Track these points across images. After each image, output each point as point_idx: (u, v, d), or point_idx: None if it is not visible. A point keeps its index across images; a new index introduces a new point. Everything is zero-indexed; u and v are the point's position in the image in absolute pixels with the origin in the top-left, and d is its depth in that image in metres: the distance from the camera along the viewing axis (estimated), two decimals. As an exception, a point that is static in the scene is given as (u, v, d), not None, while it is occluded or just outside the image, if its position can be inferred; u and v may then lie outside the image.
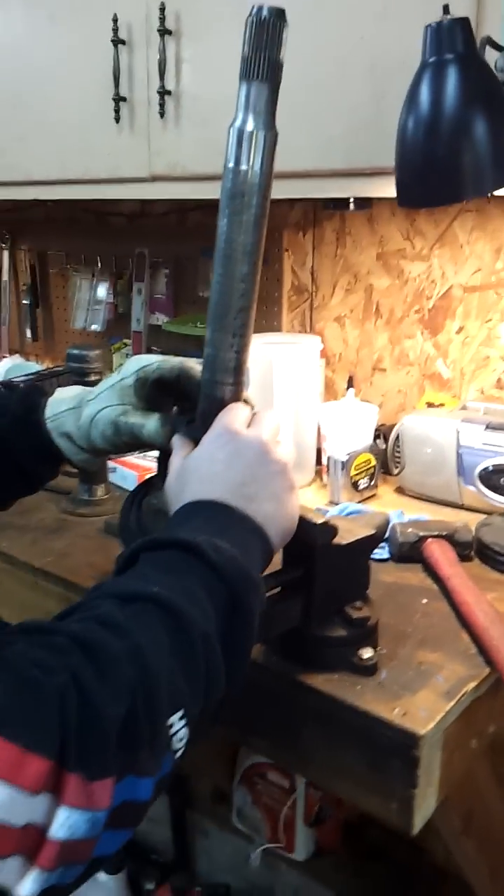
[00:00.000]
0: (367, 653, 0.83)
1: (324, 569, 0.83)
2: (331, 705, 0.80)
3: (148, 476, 0.97)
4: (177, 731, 0.55)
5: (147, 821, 1.99)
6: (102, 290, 1.95)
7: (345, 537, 0.84)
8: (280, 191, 1.21)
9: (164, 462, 0.89)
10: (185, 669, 0.57)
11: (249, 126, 0.74)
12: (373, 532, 0.86)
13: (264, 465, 0.73)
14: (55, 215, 2.08)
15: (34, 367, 1.89)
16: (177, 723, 0.55)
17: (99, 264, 1.97)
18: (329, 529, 0.81)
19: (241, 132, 0.75)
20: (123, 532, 0.95)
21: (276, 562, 0.83)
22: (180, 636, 0.58)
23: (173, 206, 1.81)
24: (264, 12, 0.70)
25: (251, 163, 0.75)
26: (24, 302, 2.15)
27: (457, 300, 1.41)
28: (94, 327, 1.98)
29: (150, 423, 0.86)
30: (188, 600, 0.60)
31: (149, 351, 1.91)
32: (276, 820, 1.58)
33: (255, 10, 0.70)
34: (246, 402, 0.80)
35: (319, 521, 0.81)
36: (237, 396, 0.83)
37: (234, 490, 0.70)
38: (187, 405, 0.87)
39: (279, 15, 0.70)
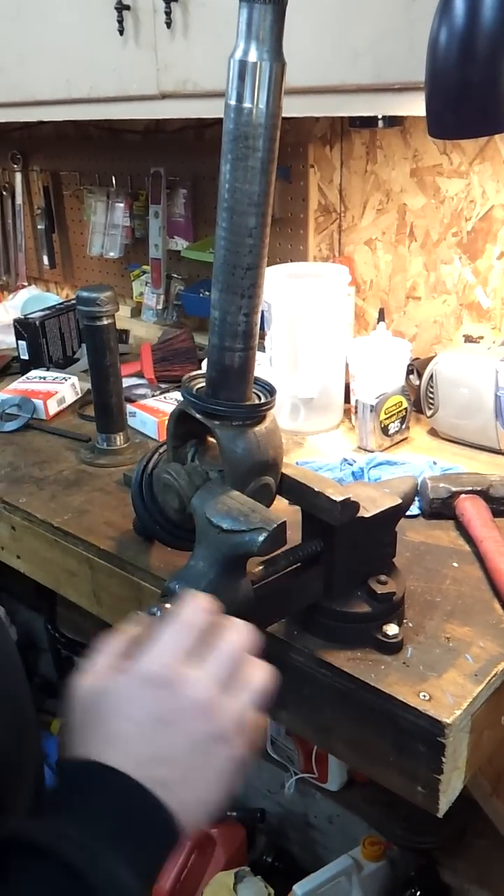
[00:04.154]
0: (391, 629, 0.79)
1: (345, 544, 0.79)
2: (353, 685, 0.76)
3: (159, 445, 0.91)
4: None
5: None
6: (118, 214, 1.84)
7: (368, 509, 0.79)
8: (301, 108, 1.11)
9: (179, 437, 0.83)
10: None
11: (252, 56, 0.65)
12: (398, 502, 0.81)
13: (200, 741, 0.53)
14: (67, 132, 1.96)
15: (52, 298, 1.83)
16: None
17: (114, 185, 1.86)
18: (350, 506, 0.75)
19: (242, 64, 0.65)
20: (135, 505, 0.91)
21: (295, 538, 0.78)
22: None
23: (190, 121, 1.67)
24: None
25: (255, 100, 0.66)
26: (39, 227, 2.05)
27: (498, 222, 1.29)
28: (111, 254, 1.88)
29: None
30: None
31: (168, 279, 1.81)
32: (310, 751, 1.60)
33: None
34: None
35: (339, 497, 0.75)
36: (248, 364, 0.76)
37: (151, 767, 0.51)
38: None
39: None
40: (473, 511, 0.97)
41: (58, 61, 1.36)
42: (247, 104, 0.66)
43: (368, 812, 1.55)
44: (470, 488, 1.00)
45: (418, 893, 1.44)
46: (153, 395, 1.42)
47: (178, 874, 1.61)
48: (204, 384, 0.79)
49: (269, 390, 0.80)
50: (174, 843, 0.52)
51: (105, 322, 1.17)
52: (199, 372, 0.81)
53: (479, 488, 1.00)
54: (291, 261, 1.54)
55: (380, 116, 1.24)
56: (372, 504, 0.80)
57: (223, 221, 0.70)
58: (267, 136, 0.68)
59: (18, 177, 2.09)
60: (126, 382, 1.46)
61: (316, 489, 0.77)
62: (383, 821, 1.51)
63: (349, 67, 1.00)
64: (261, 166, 0.68)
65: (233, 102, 0.67)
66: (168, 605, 0.70)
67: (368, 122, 1.28)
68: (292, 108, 1.10)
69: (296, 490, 0.80)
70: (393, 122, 1.28)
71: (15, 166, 2.08)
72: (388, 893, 1.49)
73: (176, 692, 0.53)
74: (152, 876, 0.52)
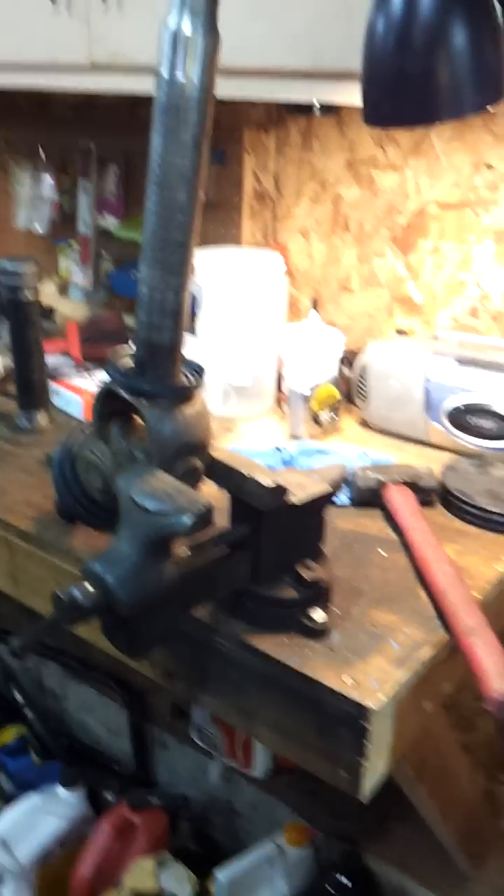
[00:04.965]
0: (318, 615, 0.79)
1: (273, 530, 0.78)
2: (279, 669, 0.76)
3: (83, 424, 0.89)
4: None
5: (108, 732, 2.03)
6: (46, 187, 1.78)
7: (296, 495, 0.78)
8: (237, 90, 1.09)
9: (105, 416, 0.81)
10: None
11: (186, 29, 0.63)
12: (327, 490, 0.80)
13: None
14: (-6, 102, 1.88)
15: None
16: None
17: (43, 157, 1.80)
18: (278, 492, 0.75)
19: (175, 35, 0.63)
20: (57, 485, 0.88)
21: (223, 523, 0.77)
22: None
23: (123, 97, 1.63)
24: None
25: (188, 73, 0.64)
26: (-35, 200, 1.97)
27: (431, 217, 1.30)
28: (37, 228, 1.82)
29: None
30: None
31: (97, 257, 1.77)
32: (234, 738, 1.60)
33: None
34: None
35: (269, 481, 0.74)
36: (176, 342, 0.75)
37: None
38: None
39: None
40: (401, 501, 0.97)
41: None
42: (179, 77, 0.65)
43: (293, 798, 1.56)
44: (399, 478, 1.01)
45: (341, 878, 1.46)
46: (79, 374, 1.38)
47: (98, 860, 1.59)
48: (131, 362, 0.77)
49: (198, 371, 0.79)
50: None
51: (28, 296, 1.13)
52: (125, 348, 0.79)
53: (407, 479, 1.01)
54: (225, 246, 1.52)
55: (316, 105, 1.24)
56: (301, 490, 0.80)
57: (153, 195, 0.69)
58: (199, 110, 0.66)
59: None
60: (51, 361, 1.42)
61: (245, 473, 0.76)
62: (307, 807, 1.52)
63: (287, 51, 0.99)
64: (192, 141, 0.67)
65: (165, 74, 0.65)
66: (89, 587, 0.69)
67: (304, 110, 1.27)
68: (228, 89, 1.08)
69: (224, 474, 0.79)
70: (329, 110, 1.28)
71: None
72: (311, 878, 1.51)
73: None
74: None
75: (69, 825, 1.71)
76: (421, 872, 1.40)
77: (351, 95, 0.91)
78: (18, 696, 2.08)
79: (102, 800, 1.82)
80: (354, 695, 0.71)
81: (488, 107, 0.76)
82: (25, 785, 1.84)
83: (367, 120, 0.76)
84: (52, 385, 1.29)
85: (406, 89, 0.71)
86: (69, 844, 1.70)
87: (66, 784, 1.73)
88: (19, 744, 1.97)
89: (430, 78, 0.69)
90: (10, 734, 1.99)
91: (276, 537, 0.79)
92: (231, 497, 0.81)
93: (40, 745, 1.98)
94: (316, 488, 0.80)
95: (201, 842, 1.75)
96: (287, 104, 1.33)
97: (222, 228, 1.55)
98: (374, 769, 0.74)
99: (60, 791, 1.73)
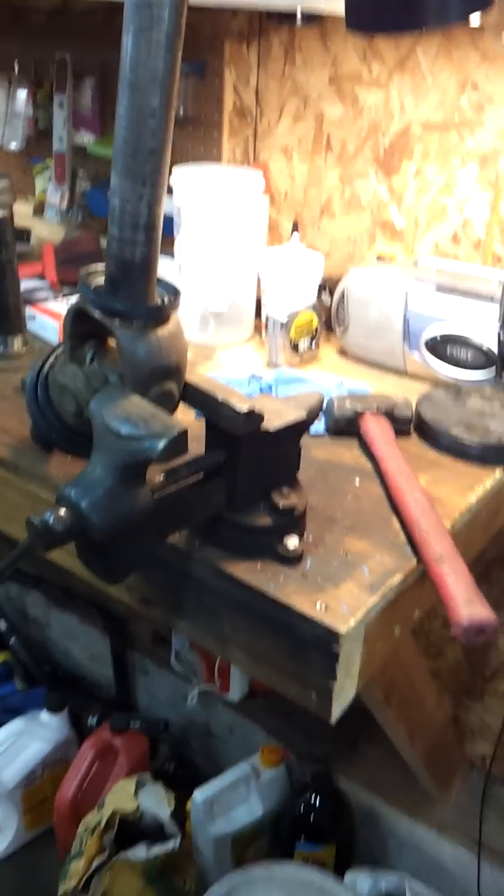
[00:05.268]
0: (291, 542, 0.78)
1: (248, 456, 0.77)
2: (252, 595, 0.76)
3: (57, 346, 0.86)
4: None
5: (90, 658, 2.05)
6: (20, 102, 1.70)
7: (272, 422, 0.77)
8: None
9: (77, 337, 0.79)
10: None
11: None
12: (303, 417, 0.79)
13: None
14: (-37, 10, 1.78)
15: None
16: None
17: (16, 70, 1.71)
18: (254, 417, 0.73)
19: None
20: (30, 409, 0.86)
21: (198, 451, 0.76)
22: None
23: (99, 2, 1.55)
24: None
25: (161, -37, 0.60)
26: None
27: (415, 138, 1.26)
28: (12, 145, 1.74)
29: None
30: None
31: (73, 176, 1.70)
32: (213, 663, 1.63)
33: None
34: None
35: (244, 407, 0.73)
36: (150, 259, 0.72)
37: None
38: None
39: None
40: (377, 430, 0.96)
41: None
42: (151, -32, 0.60)
43: (267, 721, 1.60)
44: (375, 408, 0.99)
45: (313, 798, 1.51)
46: (55, 298, 1.35)
47: (81, 782, 1.64)
48: (103, 280, 0.74)
49: (174, 292, 0.76)
50: None
51: (0, 213, 1.09)
52: (97, 266, 0.76)
53: (383, 408, 0.99)
54: (204, 164, 1.47)
55: (298, 13, 1.17)
56: (277, 417, 0.78)
57: (124, 99, 0.65)
58: (173, 7, 0.62)
59: None
60: (26, 285, 1.38)
61: (220, 398, 0.75)
62: (281, 730, 1.56)
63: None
64: (166, 41, 0.63)
65: (136, -35, 0.60)
66: (63, 513, 0.67)
67: (287, 19, 1.20)
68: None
69: (199, 398, 0.77)
70: (311, 20, 1.21)
71: None
72: (284, 798, 1.56)
73: None
74: None
75: (53, 748, 1.75)
76: (389, 793, 1.45)
77: (335, 2, 0.86)
78: (2, 624, 2.10)
79: (85, 724, 1.85)
80: (325, 619, 0.71)
81: (475, 15, 0.72)
82: (10, 710, 1.87)
83: (350, 25, 0.72)
84: (28, 309, 1.25)
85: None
86: (53, 767, 1.75)
87: (50, 709, 1.76)
88: (4, 670, 2.00)
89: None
90: (-4, 661, 2.02)
91: (251, 464, 0.77)
92: (206, 423, 0.79)
93: (24, 672, 2.01)
94: (292, 415, 0.79)
95: (180, 764, 1.80)
96: (269, 13, 1.26)
97: (202, 146, 1.50)
98: (343, 692, 0.75)
99: (44, 716, 1.76)
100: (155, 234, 0.70)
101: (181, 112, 1.46)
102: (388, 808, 1.48)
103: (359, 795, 1.52)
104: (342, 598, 0.74)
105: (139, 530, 0.71)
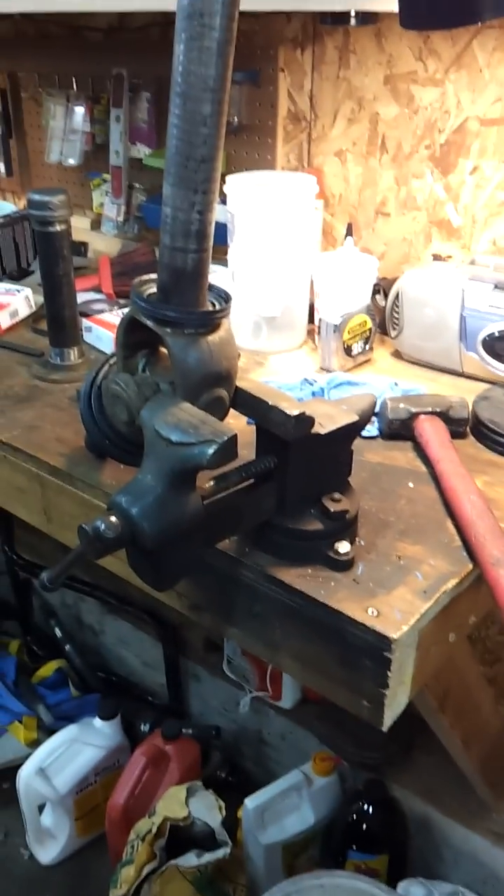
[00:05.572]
0: (343, 547, 0.77)
1: (298, 461, 0.76)
2: (303, 601, 0.75)
3: (110, 356, 0.87)
4: None
5: (143, 665, 2.07)
6: (78, 118, 1.74)
7: (324, 425, 0.77)
8: (268, 2, 1.03)
9: (130, 346, 0.79)
10: None
11: None
12: (355, 419, 0.78)
13: None
14: (25, 31, 1.83)
15: (7, 207, 1.73)
16: None
17: (74, 87, 1.75)
18: (304, 421, 0.73)
19: None
20: (84, 419, 0.87)
21: (242, 455, 0.76)
22: None
23: (155, 18, 1.57)
24: None
25: (211, -29, 0.60)
26: (-4, 131, 1.94)
27: (472, 135, 1.24)
28: (70, 161, 1.78)
29: None
30: None
31: (130, 189, 1.73)
32: (265, 670, 1.63)
33: None
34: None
35: (294, 411, 0.72)
36: (201, 267, 0.72)
37: None
38: None
39: None
40: (432, 432, 0.95)
41: None
42: (202, -25, 0.60)
43: (320, 729, 1.59)
44: (430, 409, 0.98)
45: (366, 806, 1.49)
46: (110, 310, 1.37)
47: (133, 789, 1.65)
48: (155, 289, 0.75)
49: (225, 297, 0.76)
50: None
51: (58, 227, 1.10)
52: (150, 276, 0.76)
53: (438, 409, 0.98)
54: (258, 171, 1.47)
55: (352, 13, 1.16)
56: (328, 420, 0.78)
57: (176, 108, 0.65)
58: (224, 14, 0.62)
59: (-28, 76, 1.96)
60: (83, 297, 1.41)
61: (270, 402, 0.74)
62: (334, 737, 1.55)
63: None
64: (217, 47, 0.63)
65: (187, -27, 0.61)
66: (114, 519, 0.68)
67: (341, 20, 1.20)
68: (261, 1, 1.03)
69: (250, 404, 0.77)
70: (366, 19, 1.20)
71: (-31, 65, 1.95)
72: (336, 806, 1.54)
73: None
74: None
75: (105, 755, 1.76)
76: (443, 801, 1.42)
77: (389, 1, 0.86)
78: (58, 632, 2.13)
79: (137, 730, 1.87)
80: (377, 625, 0.70)
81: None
82: (64, 717, 1.90)
83: (403, 23, 0.71)
84: (84, 321, 1.27)
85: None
86: (105, 774, 1.77)
87: (103, 716, 1.78)
88: (59, 677, 2.04)
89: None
90: (51, 668, 2.05)
91: (302, 469, 0.77)
92: (257, 428, 0.79)
93: (79, 679, 2.04)
94: (344, 418, 0.78)
95: (232, 771, 1.80)
96: (323, 15, 1.25)
97: (256, 152, 1.50)
98: (396, 700, 0.74)
99: (97, 722, 1.78)
100: (206, 241, 0.71)
101: (235, 120, 1.47)
102: (443, 817, 1.45)
103: (413, 804, 1.49)
104: (394, 603, 0.73)
105: (189, 537, 0.71)
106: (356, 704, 0.75)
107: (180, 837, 1.48)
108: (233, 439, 0.68)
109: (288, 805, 1.52)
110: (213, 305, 0.76)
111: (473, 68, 1.20)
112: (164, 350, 0.80)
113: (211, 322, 0.74)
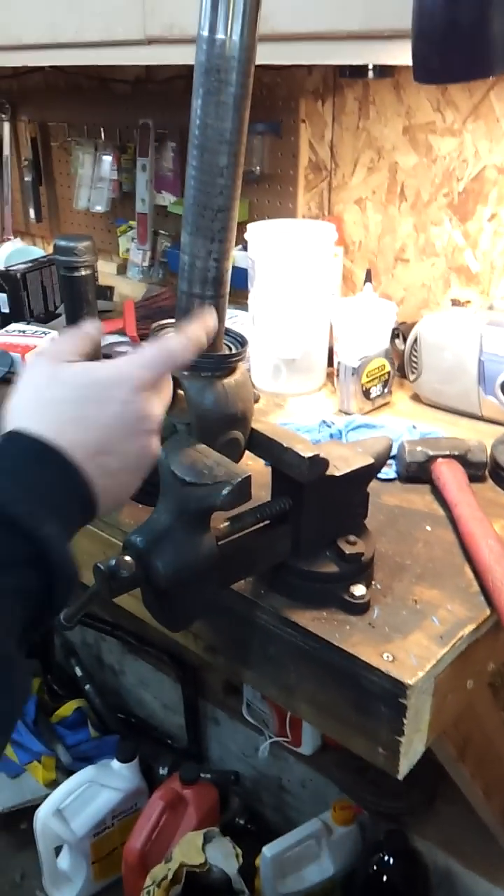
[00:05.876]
0: (358, 590, 0.77)
1: (313, 503, 0.77)
2: (317, 644, 0.75)
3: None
4: None
5: (162, 707, 2.05)
6: (106, 167, 1.79)
7: (338, 467, 0.77)
8: (289, 55, 1.06)
9: None
10: None
11: (226, -14, 0.61)
12: (370, 462, 0.79)
13: (126, 414, 0.59)
14: (56, 83, 1.90)
15: (36, 251, 1.78)
16: None
17: (102, 136, 1.81)
18: (318, 463, 0.73)
19: (215, -7, 0.62)
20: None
21: (259, 497, 0.76)
22: None
23: (180, 70, 1.62)
24: None
25: (229, 31, 0.63)
26: (26, 179, 2.00)
27: (490, 183, 1.26)
28: (97, 208, 1.84)
29: None
30: None
31: (155, 235, 1.77)
32: (284, 715, 1.61)
33: None
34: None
35: (308, 453, 0.73)
36: (218, 313, 0.73)
37: (75, 430, 0.56)
38: None
39: None
40: (450, 475, 0.95)
41: (42, 4, 1.31)
42: (219, 35, 0.63)
43: (340, 777, 1.56)
44: (448, 452, 0.98)
45: (387, 858, 1.45)
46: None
47: (150, 833, 1.62)
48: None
49: (241, 342, 0.77)
50: (88, 515, 0.61)
51: (83, 272, 1.13)
52: (168, 321, 0.78)
53: (456, 453, 0.98)
54: (280, 219, 1.51)
55: (370, 66, 1.20)
56: (343, 463, 0.78)
57: (193, 160, 0.67)
58: (240, 70, 0.64)
59: (6, 127, 2.03)
60: (108, 340, 1.43)
61: (284, 444, 0.75)
62: (354, 785, 1.52)
63: (339, 13, 0.96)
64: (233, 102, 0.65)
65: (205, 33, 0.64)
66: (128, 559, 0.69)
67: (359, 73, 1.23)
68: (280, 55, 1.07)
69: (265, 445, 0.78)
70: (384, 72, 1.24)
71: (3, 116, 2.02)
72: (356, 857, 1.50)
73: (104, 366, 0.59)
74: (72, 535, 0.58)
75: (123, 798, 1.75)
76: (466, 853, 1.38)
77: (406, 55, 0.88)
78: (78, 671, 2.13)
79: (155, 773, 1.85)
80: (392, 671, 0.69)
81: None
82: (83, 757, 1.89)
83: (417, 77, 0.73)
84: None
85: (457, 41, 0.68)
86: (122, 817, 1.75)
87: (122, 758, 1.76)
88: (78, 717, 2.02)
89: (484, 27, 0.66)
90: (70, 707, 2.04)
91: (317, 511, 0.77)
92: (272, 470, 0.80)
93: (98, 719, 2.03)
94: (359, 461, 0.78)
95: (251, 818, 1.77)
96: (342, 68, 1.29)
97: (278, 201, 1.54)
98: (412, 747, 0.73)
99: (115, 764, 1.77)
100: (222, 288, 0.72)
101: (257, 169, 1.51)
102: (466, 870, 1.40)
103: (435, 855, 1.45)
104: (410, 648, 0.72)
105: (203, 577, 0.71)
106: (372, 752, 0.74)
107: (197, 884, 1.45)
108: (247, 481, 0.68)
109: (307, 854, 1.48)
110: (230, 349, 0.78)
111: (491, 118, 1.22)
112: (181, 392, 0.81)
113: (227, 365, 0.76)
